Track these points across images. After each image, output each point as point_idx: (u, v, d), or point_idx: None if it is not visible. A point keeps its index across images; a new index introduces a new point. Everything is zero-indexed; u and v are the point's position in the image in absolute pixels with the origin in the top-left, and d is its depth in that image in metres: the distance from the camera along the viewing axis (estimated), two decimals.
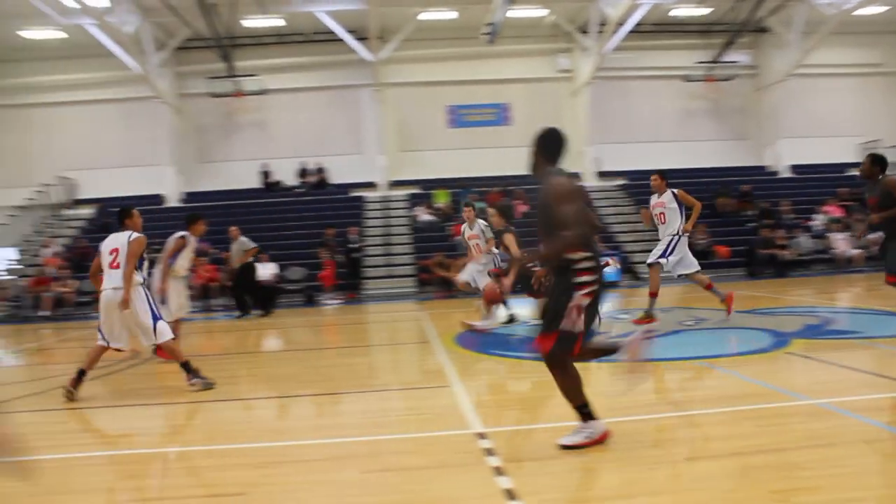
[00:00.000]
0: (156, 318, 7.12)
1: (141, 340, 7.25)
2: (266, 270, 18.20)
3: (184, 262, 9.42)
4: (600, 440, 4.53)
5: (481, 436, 4.91)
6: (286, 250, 20.49)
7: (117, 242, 7.25)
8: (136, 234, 7.29)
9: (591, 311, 4.42)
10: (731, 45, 25.80)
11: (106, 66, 24.44)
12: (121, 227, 7.42)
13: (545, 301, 4.61)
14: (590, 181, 25.15)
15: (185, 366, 7.23)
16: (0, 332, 16.41)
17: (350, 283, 19.76)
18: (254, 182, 25.27)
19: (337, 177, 25.41)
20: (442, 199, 23.33)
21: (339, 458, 4.75)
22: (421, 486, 4.12)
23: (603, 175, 25.80)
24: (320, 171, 25.16)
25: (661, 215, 9.99)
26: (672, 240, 9.95)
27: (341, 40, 23.89)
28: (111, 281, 7.12)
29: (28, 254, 22.49)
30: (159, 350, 8.33)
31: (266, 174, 25.28)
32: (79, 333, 14.32)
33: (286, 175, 25.48)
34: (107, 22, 20.66)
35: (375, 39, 23.91)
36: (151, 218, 23.46)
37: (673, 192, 9.92)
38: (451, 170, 24.83)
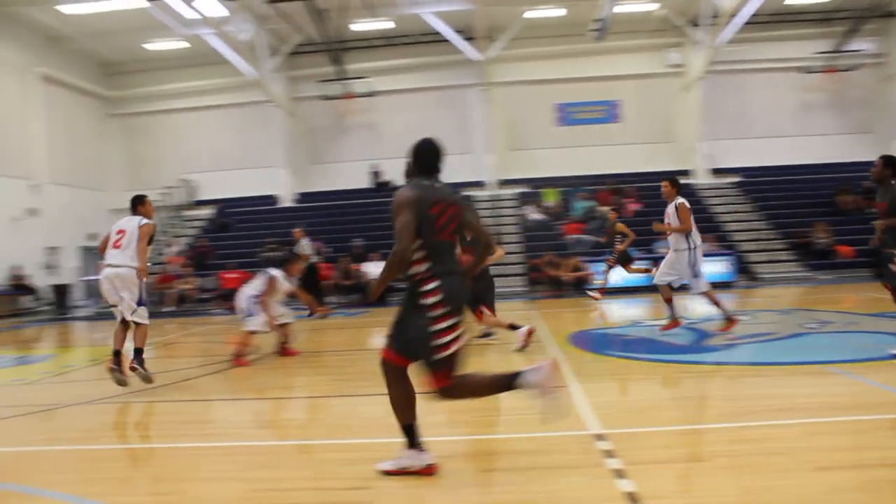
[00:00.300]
0: (141, 303, 7.71)
1: (123, 313, 7.68)
2: (377, 269, 18.59)
3: (278, 297, 9.76)
4: (421, 472, 4.31)
5: (600, 437, 4.92)
6: None
7: (126, 225, 7.80)
8: (146, 220, 7.82)
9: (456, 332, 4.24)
10: (855, 33, 24.76)
11: (223, 73, 26.08)
12: (133, 212, 7.94)
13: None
14: (702, 178, 24.57)
15: (140, 351, 7.63)
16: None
17: None
18: (364, 182, 26.14)
19: (445, 176, 25.38)
20: (551, 198, 23.31)
21: (457, 455, 4.83)
22: (540, 486, 4.15)
23: (716, 172, 25.26)
24: None
25: (669, 225, 9.64)
26: (689, 256, 9.51)
27: (449, 41, 24.52)
28: (112, 258, 7.68)
29: (153, 252, 23.71)
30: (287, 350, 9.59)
31: (376, 174, 25.99)
32: (200, 328, 15.14)
33: (395, 175, 25.96)
34: (224, 31, 21.70)
35: (482, 39, 24.31)
36: (266, 218, 24.67)
37: (675, 205, 9.56)
38: (560, 168, 25.01)
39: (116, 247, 7.67)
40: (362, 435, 5.57)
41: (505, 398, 6.72)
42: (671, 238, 9.63)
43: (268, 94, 25.48)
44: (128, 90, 28.30)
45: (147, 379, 7.55)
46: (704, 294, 9.46)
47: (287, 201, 26.58)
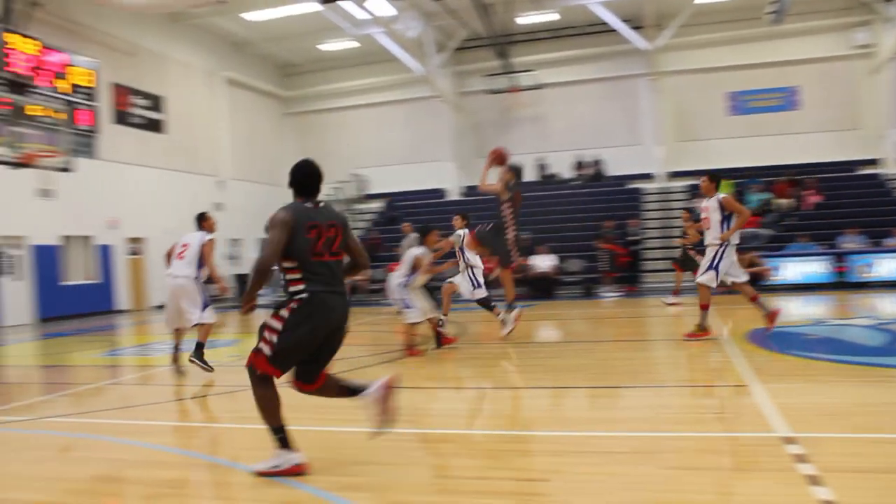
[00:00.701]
0: (205, 305, 8.69)
1: (187, 319, 8.68)
2: (544, 262, 19.00)
3: (425, 273, 10.21)
4: (291, 472, 4.41)
5: (789, 440, 4.74)
6: (564, 242, 21.30)
7: (191, 239, 8.83)
8: (208, 236, 8.84)
9: (306, 342, 4.43)
10: None
11: (392, 71, 27.78)
12: (199, 228, 8.96)
13: None
14: (892, 168, 23.20)
15: (201, 345, 8.69)
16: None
17: (629, 276, 19.92)
18: (530, 175, 26.48)
19: (613, 168, 25.99)
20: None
21: (638, 451, 4.80)
22: (727, 488, 4.11)
23: None
24: (596, 163, 25.93)
25: (706, 220, 9.47)
26: (717, 251, 9.32)
27: (616, 31, 24.81)
28: (176, 269, 8.70)
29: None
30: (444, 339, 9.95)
31: (542, 167, 26.21)
32: (372, 318, 15.80)
33: (562, 168, 26.43)
34: (393, 29, 22.67)
35: (651, 27, 24.25)
36: (435, 211, 25.63)
37: (718, 199, 9.38)
38: (733, 159, 24.67)
39: (180, 258, 8.71)
40: (537, 427, 5.74)
41: (681, 396, 6.79)
42: (707, 233, 9.55)
43: (435, 89, 26.63)
44: (302, 90, 30.51)
45: (207, 369, 8.64)
46: (700, 291, 9.51)
47: (454, 195, 27.47)
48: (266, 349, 4.39)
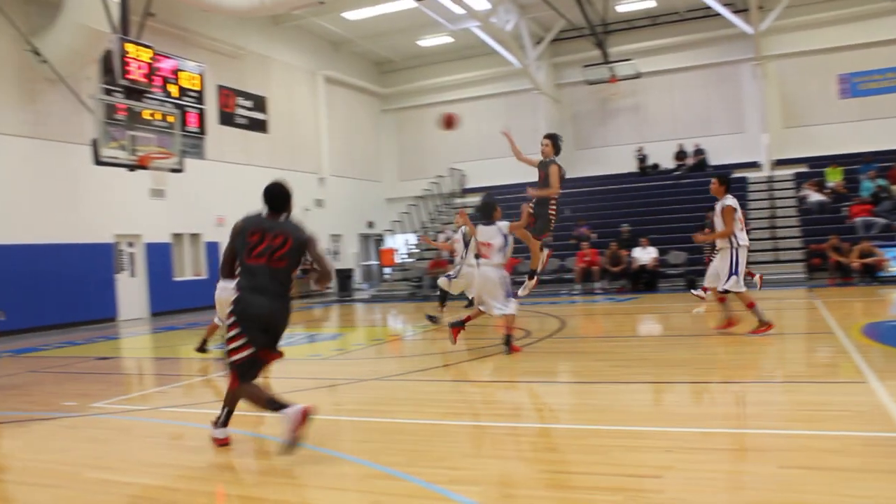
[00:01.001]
0: (508, 295, 8.92)
1: (493, 310, 9.00)
2: (646, 254, 18.68)
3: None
4: (304, 417, 4.75)
5: None
6: (665, 234, 20.89)
7: (492, 235, 9.09)
8: (506, 224, 9.14)
9: (242, 335, 4.93)
10: None
11: (488, 64, 27.85)
12: (489, 220, 9.19)
13: None
14: None
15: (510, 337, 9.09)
16: (404, 308, 18.71)
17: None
18: (630, 166, 26.16)
19: (716, 157, 25.30)
20: (834, 178, 21.94)
21: (753, 449, 4.73)
22: (852, 490, 3.83)
23: None
24: (698, 152, 25.05)
25: (715, 224, 9.45)
26: (731, 255, 9.19)
27: (717, 15, 24.16)
28: (489, 261, 9.04)
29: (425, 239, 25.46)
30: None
31: (642, 158, 25.73)
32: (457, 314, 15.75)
33: (663, 158, 25.93)
34: (489, 23, 22.62)
35: (755, 10, 23.34)
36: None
37: (722, 206, 9.32)
38: (845, 145, 23.59)
39: (485, 256, 9.35)
40: (644, 422, 5.60)
41: (794, 392, 6.54)
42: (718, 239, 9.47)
43: (532, 81, 26.54)
44: (399, 86, 30.93)
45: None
46: (738, 295, 9.31)
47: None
48: (232, 358, 5.02)
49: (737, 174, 24.81)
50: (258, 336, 4.98)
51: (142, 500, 4.42)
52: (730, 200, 9.32)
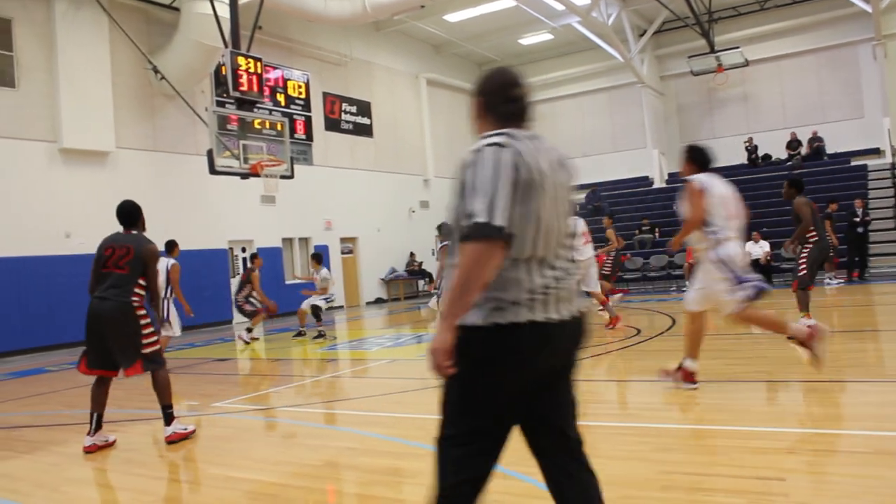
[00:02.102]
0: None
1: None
2: (758, 249, 18.06)
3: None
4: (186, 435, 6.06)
5: None
6: (778, 227, 20.07)
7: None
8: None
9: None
10: None
11: (589, 60, 27.60)
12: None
13: None
14: None
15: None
16: None
17: (854, 262, 18.42)
18: (739, 158, 25.39)
19: (833, 145, 24.02)
20: None
21: (883, 452, 4.42)
22: None
23: None
24: (815, 140, 23.87)
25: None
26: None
27: None
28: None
29: None
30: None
31: (752, 149, 24.88)
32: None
33: (774, 148, 24.91)
34: (590, 17, 22.35)
35: None
36: (640, 200, 24.99)
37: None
38: None
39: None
40: (762, 422, 5.39)
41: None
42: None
43: (635, 75, 26.10)
44: None
45: None
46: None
47: (659, 182, 26.70)
48: None
49: (856, 162, 23.68)
50: None
51: (262, 496, 4.56)
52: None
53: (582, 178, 28.40)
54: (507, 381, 2.46)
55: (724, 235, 6.40)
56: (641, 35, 26.51)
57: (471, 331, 2.38)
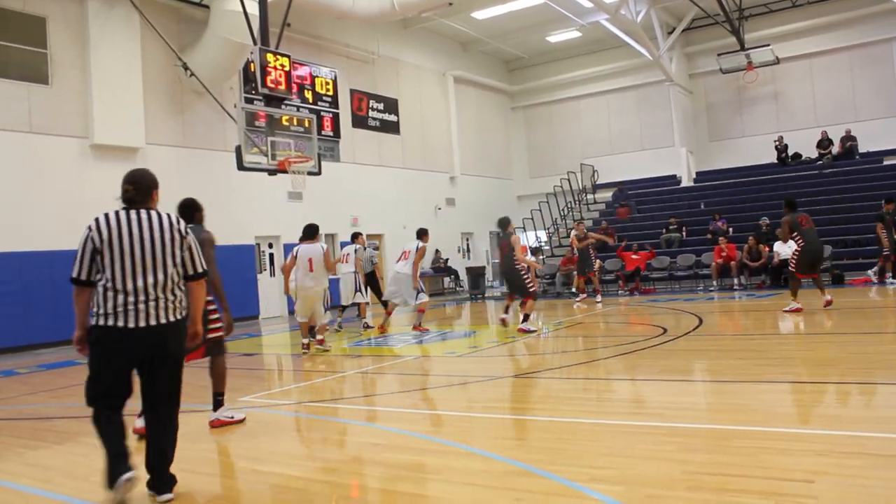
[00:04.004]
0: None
1: None
2: (787, 249, 17.77)
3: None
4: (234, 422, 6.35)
5: None
6: None
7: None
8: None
9: None
10: None
11: (617, 57, 27.47)
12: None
13: None
14: None
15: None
16: (536, 306, 18.61)
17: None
18: (769, 157, 25.10)
19: (865, 144, 23.68)
20: None
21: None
22: None
23: None
24: (849, 139, 23.54)
25: None
26: None
27: None
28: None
29: (557, 236, 25.28)
30: None
31: (782, 148, 24.59)
32: (606, 309, 15.52)
33: (805, 147, 24.59)
34: (619, 15, 22.23)
35: None
36: (667, 198, 24.84)
37: None
38: None
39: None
40: (792, 424, 5.40)
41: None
42: None
43: (664, 73, 25.92)
44: (529, 83, 30.89)
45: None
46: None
47: (687, 181, 26.52)
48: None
49: (890, 161, 23.31)
50: None
51: (288, 490, 4.60)
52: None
53: (609, 177, 28.41)
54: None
55: None
56: (670, 33, 26.30)
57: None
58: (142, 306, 4.11)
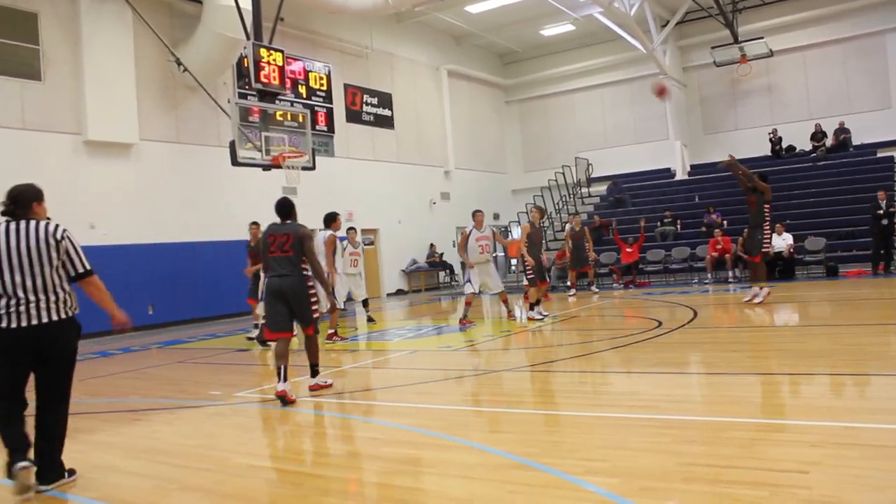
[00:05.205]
0: None
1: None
2: (782, 241, 17.88)
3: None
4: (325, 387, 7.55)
5: None
6: (802, 220, 19.97)
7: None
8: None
9: (271, 304, 7.24)
10: None
11: (611, 51, 27.70)
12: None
13: None
14: None
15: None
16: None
17: (879, 254, 18.18)
18: (763, 150, 25.17)
19: (860, 137, 23.68)
20: None
21: None
22: None
23: None
24: (840, 131, 23.58)
25: None
26: None
27: None
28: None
29: (552, 229, 25.29)
30: None
31: (776, 140, 24.64)
32: (602, 302, 15.54)
33: (799, 140, 24.64)
34: (612, 8, 22.22)
35: None
36: (661, 192, 24.86)
37: None
38: None
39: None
40: (786, 415, 5.39)
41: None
42: None
43: (658, 66, 25.94)
44: (523, 77, 30.86)
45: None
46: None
47: (681, 174, 26.55)
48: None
49: (883, 153, 23.37)
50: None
51: (285, 485, 4.62)
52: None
53: (603, 170, 28.43)
54: None
55: None
56: (664, 26, 26.28)
57: None
58: (23, 308, 4.49)
